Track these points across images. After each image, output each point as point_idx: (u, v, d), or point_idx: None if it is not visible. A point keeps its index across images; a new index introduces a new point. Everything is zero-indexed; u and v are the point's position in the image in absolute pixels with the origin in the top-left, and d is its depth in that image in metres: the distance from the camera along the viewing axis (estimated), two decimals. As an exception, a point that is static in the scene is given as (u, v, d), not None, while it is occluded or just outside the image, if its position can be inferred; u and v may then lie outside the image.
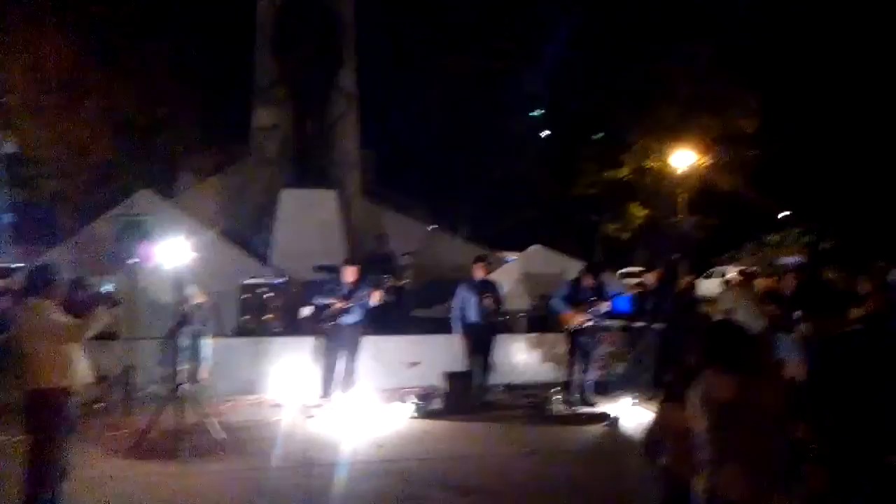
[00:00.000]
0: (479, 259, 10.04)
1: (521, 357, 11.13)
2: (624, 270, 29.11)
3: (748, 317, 9.40)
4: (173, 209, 12.89)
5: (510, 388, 10.73)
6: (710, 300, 13.89)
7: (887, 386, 3.32)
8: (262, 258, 13.00)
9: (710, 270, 30.60)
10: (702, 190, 32.25)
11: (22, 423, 4.94)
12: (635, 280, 16.34)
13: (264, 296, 11.00)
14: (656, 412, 4.05)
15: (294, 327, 10.59)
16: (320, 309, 9.44)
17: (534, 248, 13.63)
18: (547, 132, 39.10)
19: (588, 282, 9.48)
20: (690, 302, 10.81)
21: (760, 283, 12.46)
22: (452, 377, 9.43)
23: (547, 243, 14.30)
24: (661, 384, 4.33)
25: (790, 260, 29.50)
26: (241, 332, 10.87)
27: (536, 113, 37.33)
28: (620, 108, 31.39)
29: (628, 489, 6.09)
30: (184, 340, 8.43)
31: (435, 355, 10.39)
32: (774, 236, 35.61)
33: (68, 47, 21.38)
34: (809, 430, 3.40)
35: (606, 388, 10.35)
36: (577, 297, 9.45)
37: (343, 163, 15.00)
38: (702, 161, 31.70)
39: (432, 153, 34.81)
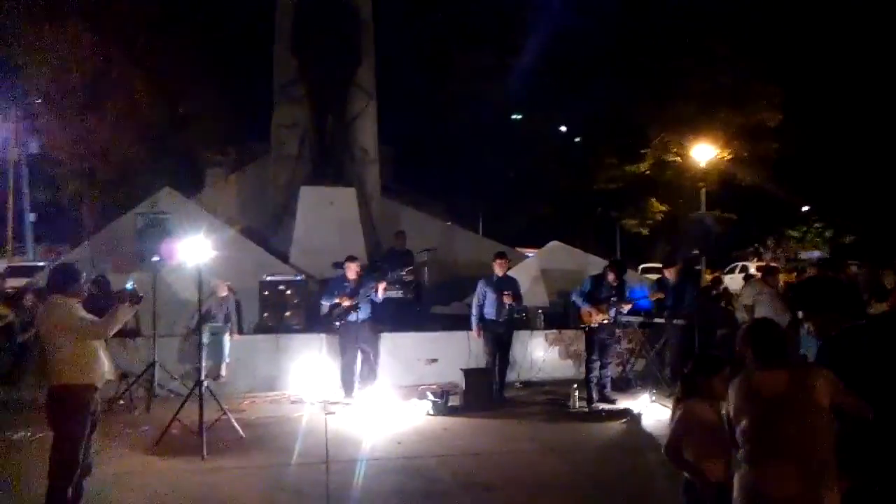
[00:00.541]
0: (499, 255, 10.01)
1: (539, 353, 11.13)
2: (644, 265, 29.00)
3: (770, 311, 9.32)
4: (194, 207, 13.00)
5: (529, 384, 10.73)
6: (733, 295, 13.81)
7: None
8: (283, 255, 13.08)
9: (732, 265, 30.42)
10: (723, 184, 31.97)
11: (45, 420, 5.01)
12: (656, 276, 16.22)
13: (285, 292, 11.07)
14: (679, 409, 4.00)
15: (314, 324, 10.65)
16: (331, 308, 9.51)
17: (552, 245, 13.59)
18: (564, 127, 38.95)
19: (611, 278, 9.42)
20: (715, 297, 10.78)
21: (782, 278, 12.35)
22: (470, 374, 9.43)
23: (565, 239, 14.24)
24: (678, 379, 4.28)
25: (811, 254, 29.25)
26: (262, 328, 10.95)
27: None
28: (640, 103, 31.19)
29: (649, 486, 6.07)
30: (205, 337, 8.50)
31: (453, 352, 10.42)
32: (796, 231, 35.28)
33: (90, 48, 21.57)
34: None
35: (626, 385, 10.33)
36: (600, 293, 9.39)
37: (362, 160, 15.07)
38: (723, 155, 31.39)
39: (449, 149, 34.82)
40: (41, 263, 22.81)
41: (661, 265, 18.30)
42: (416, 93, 32.70)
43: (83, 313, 5.10)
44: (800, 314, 3.55)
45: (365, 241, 13.52)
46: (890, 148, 29.32)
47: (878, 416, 3.15)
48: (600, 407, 9.23)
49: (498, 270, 9.75)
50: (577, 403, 9.17)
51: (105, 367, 5.11)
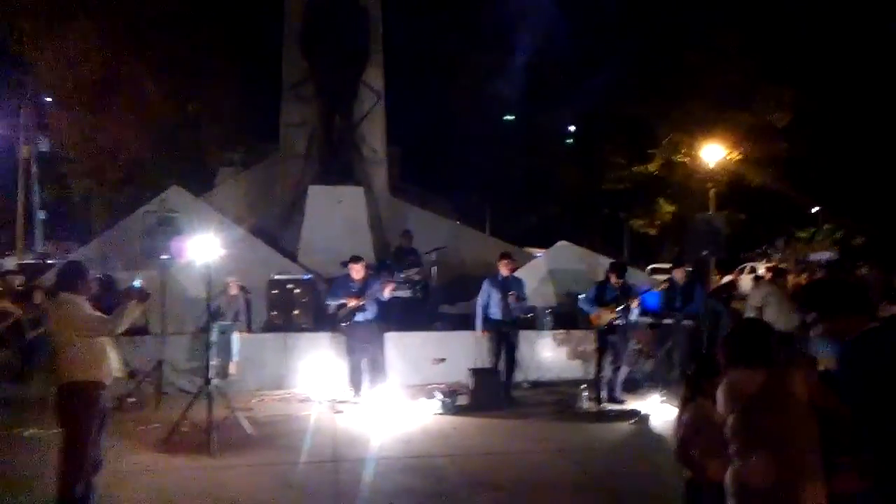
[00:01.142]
0: (504, 255, 10.01)
1: (547, 354, 11.09)
2: (653, 266, 28.92)
3: (779, 313, 9.29)
4: (203, 205, 13.02)
5: (536, 384, 10.70)
6: (741, 297, 13.77)
7: None
8: (291, 254, 13.09)
9: (741, 266, 30.28)
10: (732, 185, 31.83)
11: (55, 417, 5.02)
12: (664, 276, 16.20)
13: (293, 291, 11.08)
14: (688, 410, 4.04)
15: (322, 323, 10.66)
16: (337, 308, 9.52)
17: (560, 245, 13.54)
18: (573, 127, 38.89)
19: (614, 280, 9.42)
20: (727, 299, 10.75)
21: (791, 280, 12.30)
22: (478, 373, 9.42)
23: (573, 239, 14.21)
24: (684, 379, 4.32)
25: (821, 256, 29.10)
26: (270, 327, 10.96)
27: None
28: (650, 102, 31.10)
29: (658, 487, 6.04)
30: (214, 336, 8.52)
31: (461, 352, 10.40)
32: (805, 232, 35.09)
33: (100, 46, 21.65)
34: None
35: (635, 386, 10.30)
36: (605, 297, 9.39)
37: (370, 159, 15.09)
38: (732, 155, 31.26)
39: (457, 148, 34.82)
40: (51, 261, 22.90)
41: (669, 266, 18.29)
42: (425, 92, 32.71)
43: (91, 311, 5.12)
44: (811, 316, 3.52)
45: (373, 240, 13.54)
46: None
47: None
48: (609, 408, 9.21)
49: (503, 270, 9.74)
50: (586, 404, 9.16)
51: (114, 364, 5.14)
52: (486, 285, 9.75)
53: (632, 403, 9.26)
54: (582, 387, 9.36)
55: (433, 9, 30.97)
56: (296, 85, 14.84)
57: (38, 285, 10.86)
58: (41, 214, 31.41)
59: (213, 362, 8.19)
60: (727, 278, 26.92)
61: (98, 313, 5.15)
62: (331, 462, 6.88)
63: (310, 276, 11.58)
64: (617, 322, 9.30)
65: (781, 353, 3.52)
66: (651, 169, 33.65)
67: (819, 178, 30.80)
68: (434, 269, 12.92)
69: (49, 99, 25.77)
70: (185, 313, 10.52)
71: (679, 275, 10.26)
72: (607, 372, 9.44)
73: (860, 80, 29.37)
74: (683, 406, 4.16)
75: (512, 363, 9.79)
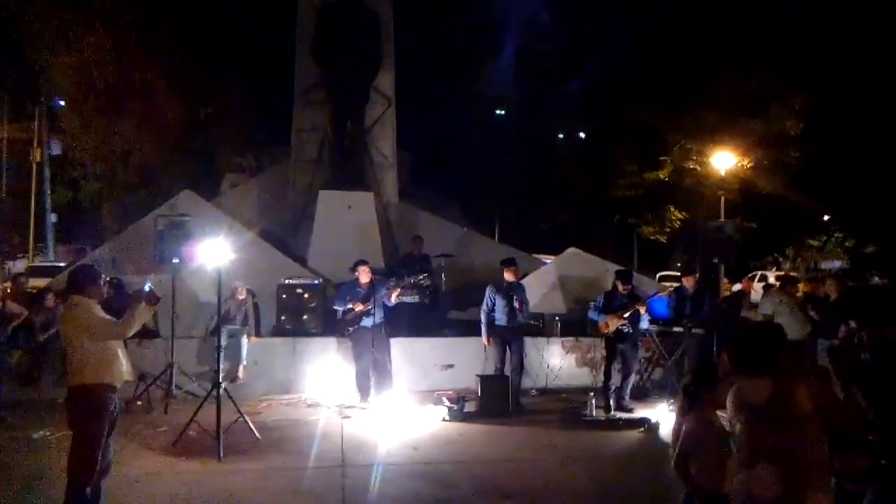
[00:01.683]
0: (508, 262, 9.98)
1: (556, 361, 11.06)
2: (662, 273, 28.83)
3: (789, 322, 9.23)
4: (214, 210, 13.07)
5: (545, 392, 10.67)
6: (752, 305, 13.69)
7: None
8: (301, 259, 13.12)
9: (751, 274, 30.17)
10: (743, 192, 31.71)
11: (65, 419, 5.04)
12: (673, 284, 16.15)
13: (303, 296, 11.10)
14: (687, 420, 4.03)
15: (331, 328, 10.67)
16: (345, 313, 9.52)
17: (570, 252, 13.51)
18: (583, 133, 38.85)
19: (621, 288, 9.41)
20: (736, 306, 10.69)
21: (801, 288, 12.23)
22: (486, 380, 9.40)
23: (583, 246, 14.17)
24: (682, 389, 4.30)
25: (832, 264, 28.95)
26: (279, 331, 10.98)
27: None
28: (661, 109, 31.03)
29: (666, 495, 6.00)
30: (223, 340, 8.54)
31: (469, 358, 10.40)
32: (816, 240, 34.91)
33: (113, 51, 21.80)
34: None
35: (643, 394, 10.26)
36: (614, 305, 9.38)
37: (380, 164, 15.13)
38: (743, 163, 31.14)
39: (467, 154, 34.83)
40: (62, 264, 23.02)
41: (678, 273, 18.22)
42: (436, 97, 32.73)
43: (102, 314, 5.14)
44: (851, 324, 3.53)
45: (382, 246, 13.55)
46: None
47: None
48: (617, 415, 9.17)
49: (508, 276, 9.73)
50: (594, 411, 9.13)
51: (124, 367, 5.15)
52: (489, 291, 9.74)
53: (641, 411, 9.21)
54: (590, 394, 9.33)
55: (444, 15, 31.01)
56: (307, 90, 14.90)
57: (49, 288, 10.92)
58: (53, 217, 31.59)
59: (222, 366, 8.21)
60: (737, 286, 26.82)
61: (109, 316, 5.18)
62: (338, 467, 6.88)
63: (319, 280, 11.60)
64: (626, 330, 9.29)
65: (792, 362, 3.49)
66: (662, 176, 33.58)
67: (830, 186, 30.66)
68: (443, 275, 12.93)
69: (62, 103, 25.94)
70: (195, 317, 10.56)
71: (689, 282, 10.23)
72: (616, 380, 9.42)
73: (873, 89, 29.24)
74: (681, 416, 4.15)
75: (520, 370, 9.76)
